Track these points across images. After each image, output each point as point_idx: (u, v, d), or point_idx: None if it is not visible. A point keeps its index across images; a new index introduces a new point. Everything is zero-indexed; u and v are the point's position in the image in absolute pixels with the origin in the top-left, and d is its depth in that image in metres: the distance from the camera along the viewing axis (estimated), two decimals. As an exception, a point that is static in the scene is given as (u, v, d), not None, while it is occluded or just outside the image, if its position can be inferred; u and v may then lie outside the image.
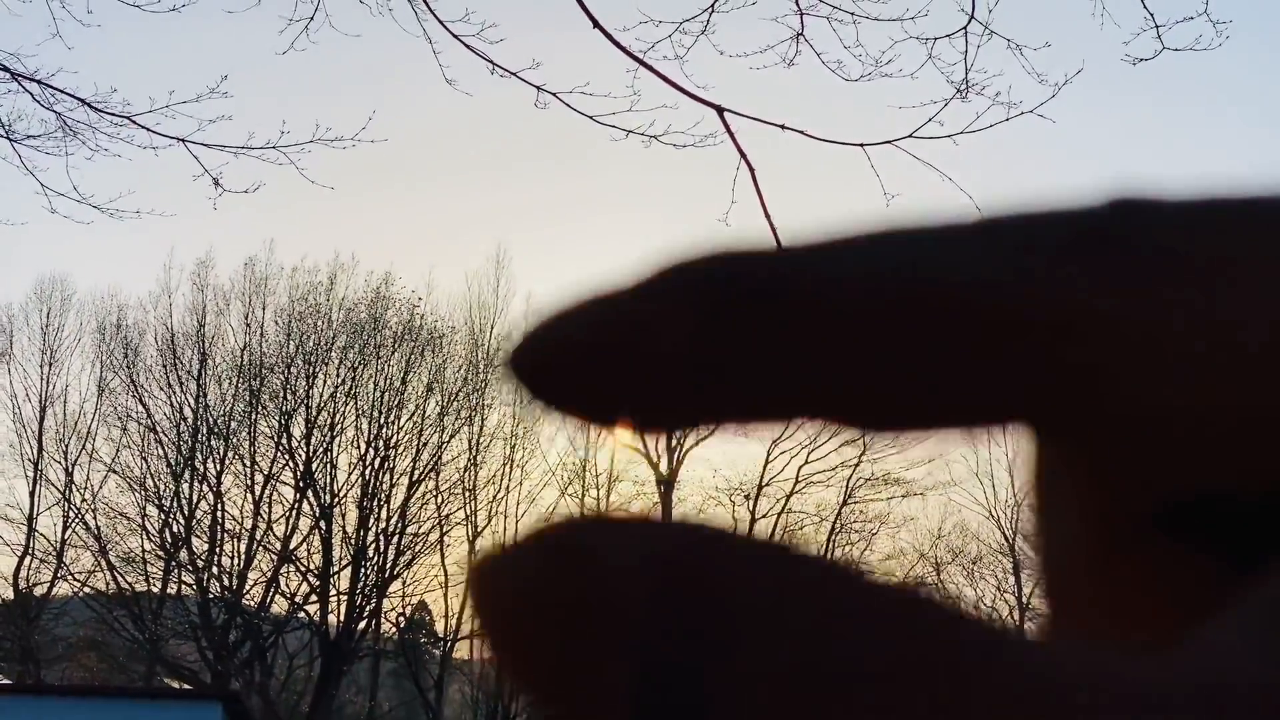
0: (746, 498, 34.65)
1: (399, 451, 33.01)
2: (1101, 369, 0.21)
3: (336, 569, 32.33)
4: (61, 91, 11.41)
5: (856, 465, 34.39)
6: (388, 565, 32.53)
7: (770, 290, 0.22)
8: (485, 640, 0.20)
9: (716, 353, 0.22)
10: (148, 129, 11.32)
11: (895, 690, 0.17)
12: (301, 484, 32.37)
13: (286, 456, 32.68)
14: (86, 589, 33.08)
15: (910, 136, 9.05)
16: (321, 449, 32.74)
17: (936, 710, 0.17)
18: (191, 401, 32.98)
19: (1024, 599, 34.40)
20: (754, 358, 0.22)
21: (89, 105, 11.43)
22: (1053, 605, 0.25)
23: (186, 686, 30.82)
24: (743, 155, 8.17)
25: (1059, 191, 0.22)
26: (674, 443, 33.89)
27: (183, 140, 11.23)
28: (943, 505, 41.23)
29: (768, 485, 34.74)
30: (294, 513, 32.42)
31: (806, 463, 34.62)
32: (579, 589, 0.19)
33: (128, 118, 11.39)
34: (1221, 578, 0.23)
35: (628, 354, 0.23)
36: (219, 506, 32.32)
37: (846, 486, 34.61)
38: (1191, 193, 0.22)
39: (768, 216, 7.64)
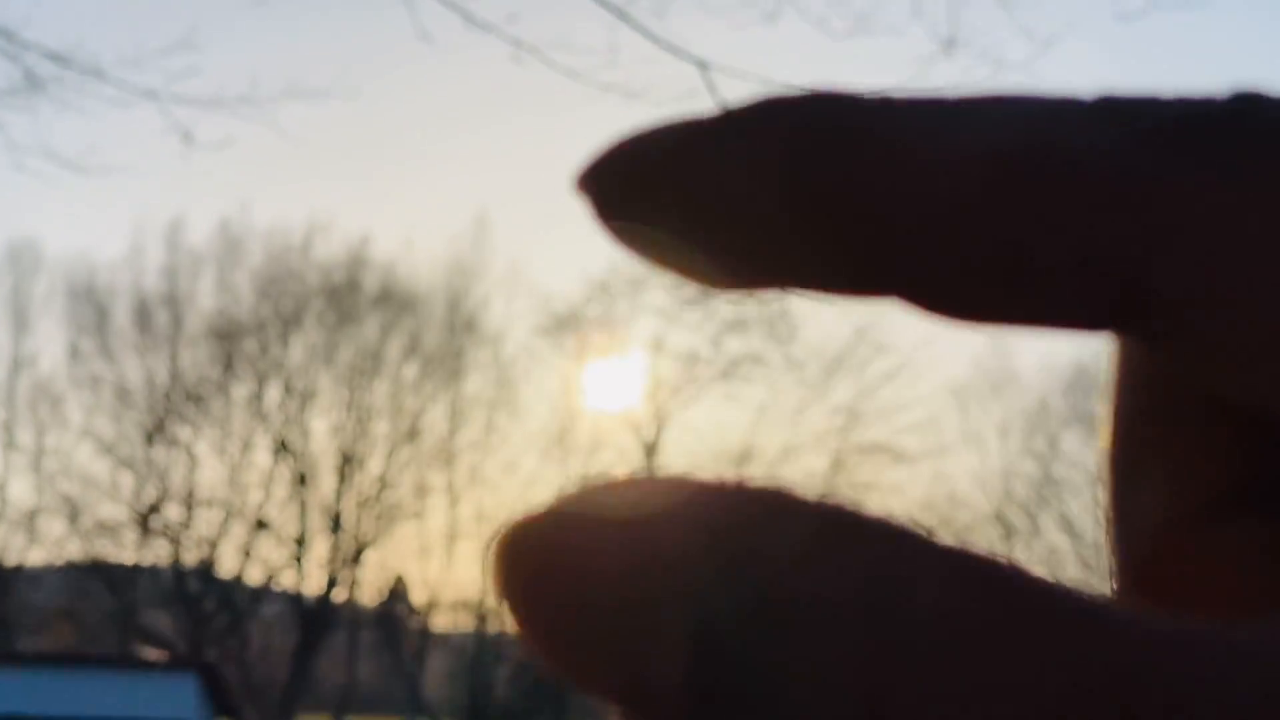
0: (732, 465, 34.21)
1: (377, 417, 32.55)
2: (1207, 272, 0.20)
3: (313, 537, 31.89)
4: (28, 44, 10.92)
5: (844, 433, 34.06)
6: (365, 533, 32.08)
7: (871, 138, 0.20)
8: (521, 615, 0.19)
9: (803, 199, 0.20)
10: (116, 83, 10.86)
11: (975, 665, 0.17)
12: (277, 450, 31.87)
13: (262, 422, 32.19)
14: (60, 557, 32.61)
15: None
16: (298, 414, 32.24)
17: (1014, 683, 0.16)
18: (165, 365, 32.46)
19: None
20: (842, 214, 0.20)
21: (56, 58, 10.96)
22: (1131, 568, 0.23)
23: (162, 656, 30.37)
24: None
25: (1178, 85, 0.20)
26: (657, 408, 33.47)
27: (153, 94, 10.77)
28: (933, 472, 40.90)
29: (754, 452, 34.36)
30: (270, 479, 31.97)
31: (794, 429, 34.30)
32: (627, 557, 0.18)
33: (96, 71, 10.93)
34: None
35: (709, 185, 0.21)
36: (193, 473, 31.86)
37: (835, 453, 34.27)
38: None
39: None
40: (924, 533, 0.18)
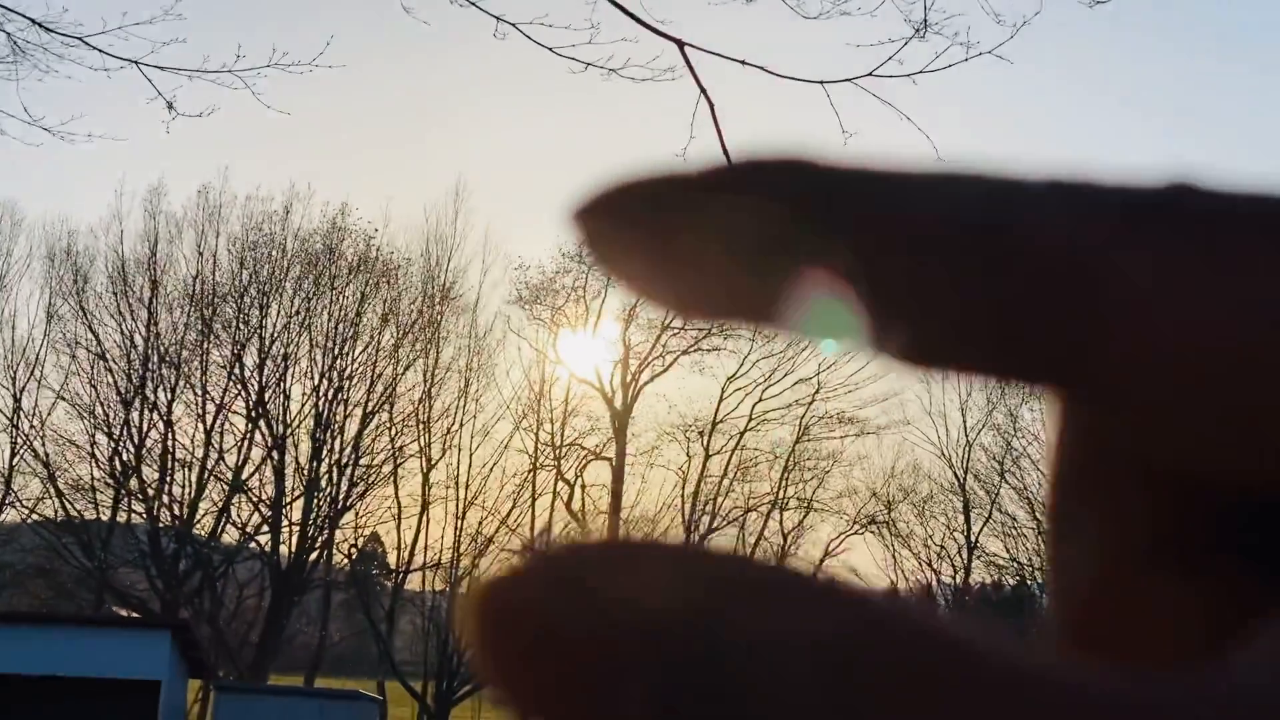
0: (700, 434, 34.78)
1: (353, 383, 32.92)
2: (1138, 344, 0.22)
3: (289, 500, 32.27)
4: (12, 11, 11.24)
5: (811, 404, 34.62)
6: (340, 497, 32.51)
7: (842, 206, 0.23)
8: (489, 672, 0.20)
9: (780, 254, 0.23)
10: (100, 50, 11.15)
11: None
12: (254, 414, 32.24)
13: (239, 386, 32.53)
14: (35, 516, 32.96)
15: (870, 75, 9.00)
16: (274, 379, 32.60)
17: None
18: (142, 329, 32.76)
19: (972, 538, 34.70)
20: (814, 267, 0.23)
21: (40, 25, 11.26)
22: (1069, 611, 0.25)
23: (135, 615, 30.74)
24: (702, 90, 8.09)
25: (1117, 167, 0.23)
26: (630, 377, 33.95)
27: (136, 62, 11.06)
28: (896, 444, 41.52)
29: (721, 422, 34.88)
30: (246, 443, 32.33)
31: (761, 400, 34.81)
32: (593, 625, 0.19)
33: (79, 38, 11.23)
34: (1264, 594, 0.23)
35: (694, 235, 0.23)
36: (170, 435, 32.17)
37: (801, 424, 34.81)
38: (1248, 187, 0.22)
39: (726, 153, 7.55)
40: (874, 594, 0.19)
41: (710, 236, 0.23)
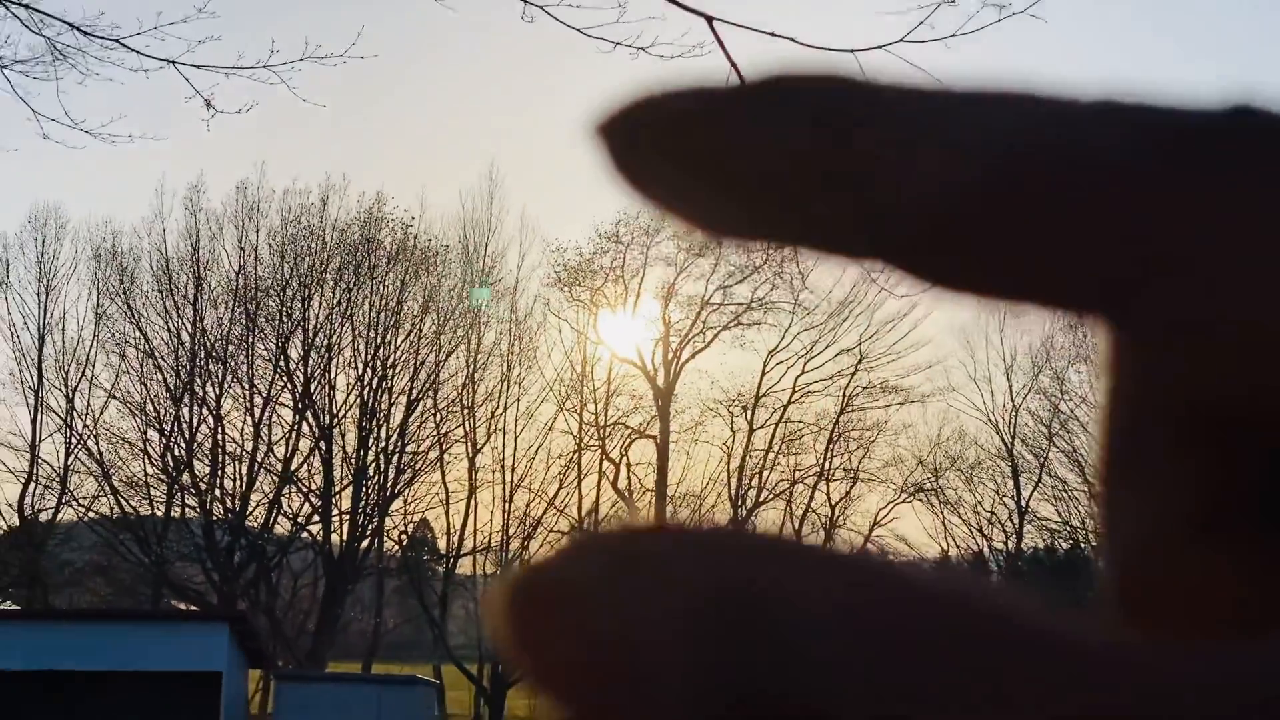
0: (744, 409, 34.88)
1: (396, 371, 33.18)
2: (1194, 272, 0.21)
3: (338, 489, 32.57)
4: (49, 15, 11.39)
5: (854, 374, 34.65)
6: (388, 484, 32.77)
7: (880, 123, 0.22)
8: (526, 661, 0.20)
9: (810, 170, 0.22)
10: (137, 51, 11.31)
11: (970, 693, 0.17)
12: (300, 405, 32.52)
13: (284, 379, 32.82)
14: (91, 514, 33.38)
15: (901, 41, 9.05)
16: (319, 370, 32.89)
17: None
18: (188, 326, 33.09)
19: (1022, 503, 34.69)
20: (846, 186, 0.22)
21: (77, 29, 11.42)
22: (1123, 575, 0.23)
23: (193, 608, 31.10)
24: (733, 65, 8.16)
25: (1176, 89, 0.21)
26: (671, 355, 34.06)
27: (173, 62, 11.20)
28: (941, 411, 41.47)
29: (765, 396, 34.98)
30: (294, 434, 32.65)
31: (803, 373, 34.86)
32: (629, 610, 0.19)
33: (117, 40, 11.37)
34: None
35: (720, 150, 0.22)
36: (219, 430, 32.52)
37: (844, 395, 34.83)
38: None
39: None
40: (914, 568, 0.19)
41: (738, 153, 0.22)
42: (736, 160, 0.22)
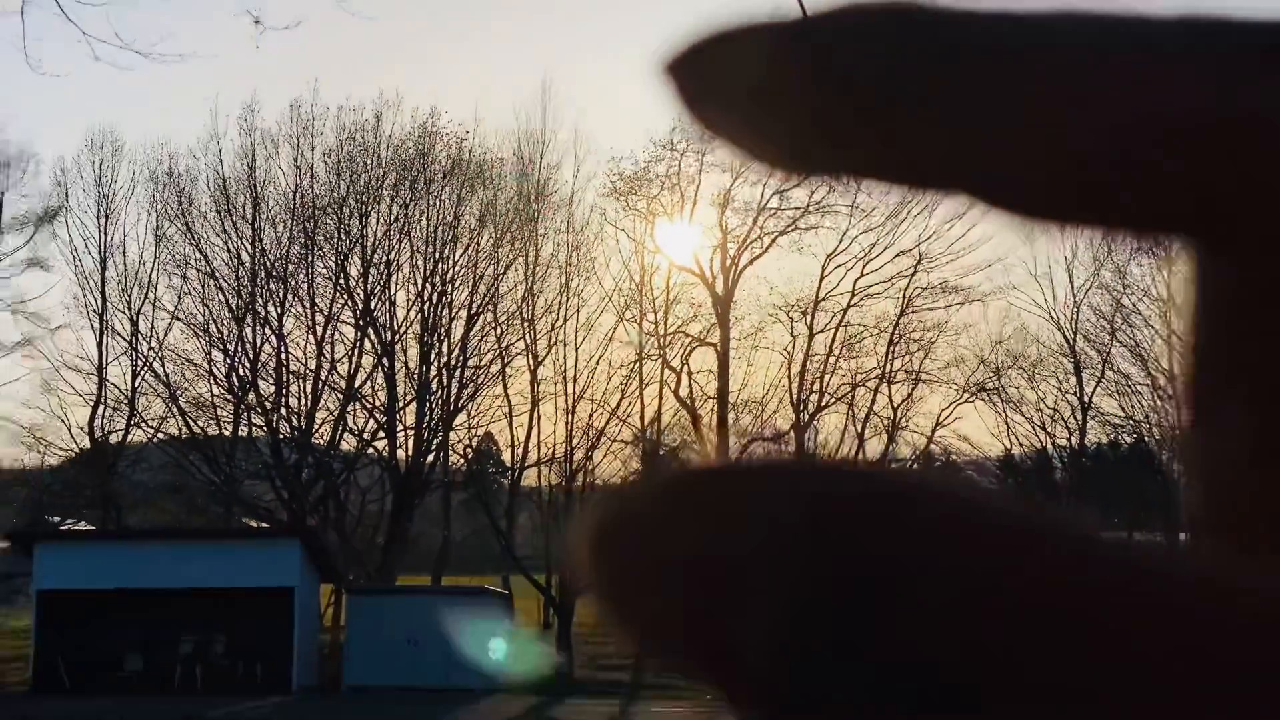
0: (803, 313, 34.81)
1: (456, 285, 33.33)
2: None
3: (401, 405, 32.85)
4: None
5: (913, 275, 34.50)
6: (451, 399, 33.02)
7: (954, 49, 0.21)
8: (607, 593, 0.20)
9: (886, 101, 0.22)
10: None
11: (1067, 629, 0.18)
12: (361, 323, 32.74)
13: (345, 296, 33.07)
14: (160, 435, 33.81)
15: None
16: (379, 287, 33.07)
17: (1087, 644, 0.18)
18: (248, 246, 33.33)
19: (1085, 399, 34.56)
20: (923, 116, 0.21)
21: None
22: (1209, 503, 0.23)
23: (265, 525, 31.54)
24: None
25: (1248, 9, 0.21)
26: (730, 261, 33.99)
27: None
28: (1002, 310, 41.22)
29: (824, 300, 34.89)
30: (356, 351, 32.92)
31: (863, 275, 34.73)
32: (713, 541, 0.19)
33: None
34: None
35: (791, 84, 0.22)
36: (282, 349, 32.86)
37: (904, 297, 34.72)
38: None
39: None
40: (998, 499, 0.19)
41: (810, 86, 0.22)
42: (807, 94, 0.22)
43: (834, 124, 0.22)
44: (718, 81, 0.23)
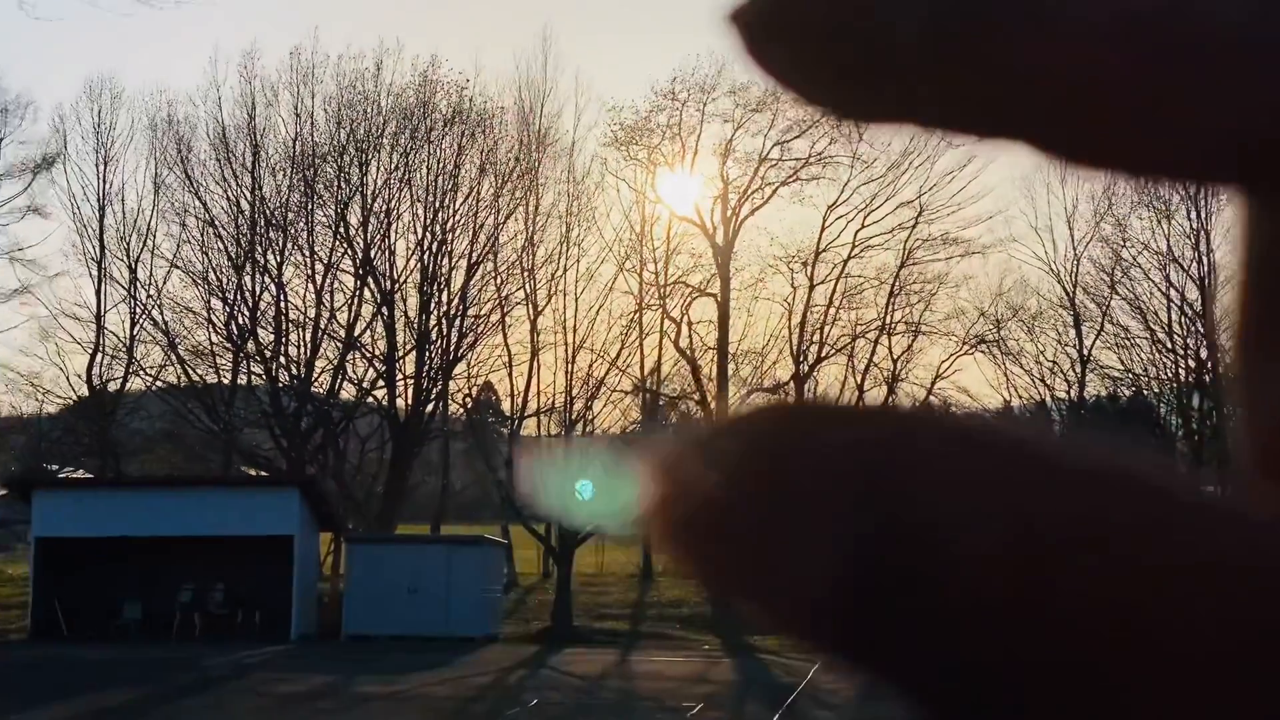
0: (804, 265, 34.72)
1: (456, 235, 33.24)
2: None
3: (401, 354, 32.82)
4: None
5: (914, 227, 34.39)
6: (451, 348, 32.98)
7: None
8: (682, 535, 0.20)
9: (947, 51, 0.22)
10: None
11: (1122, 565, 0.18)
12: (361, 271, 32.67)
13: (345, 245, 32.98)
14: (159, 383, 33.80)
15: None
16: (379, 236, 32.99)
17: (1149, 578, 0.18)
18: (247, 194, 33.25)
19: (1084, 352, 34.51)
20: (985, 64, 0.21)
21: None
22: (1262, 449, 0.23)
23: (264, 474, 31.58)
24: None
25: None
26: (730, 212, 33.86)
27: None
28: (1002, 262, 41.08)
29: (824, 251, 34.79)
30: (356, 300, 32.87)
31: (863, 227, 34.63)
32: (785, 475, 0.19)
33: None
34: None
35: (856, 32, 0.22)
36: (282, 297, 32.80)
37: (904, 249, 34.63)
38: None
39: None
40: (1062, 444, 0.19)
41: (878, 38, 0.22)
42: (871, 41, 0.22)
43: (893, 71, 0.22)
44: (783, 28, 0.23)
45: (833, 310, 34.66)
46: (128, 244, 34.00)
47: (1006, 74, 0.21)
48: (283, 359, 32.58)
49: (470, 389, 34.63)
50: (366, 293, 32.87)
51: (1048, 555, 0.18)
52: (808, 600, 0.19)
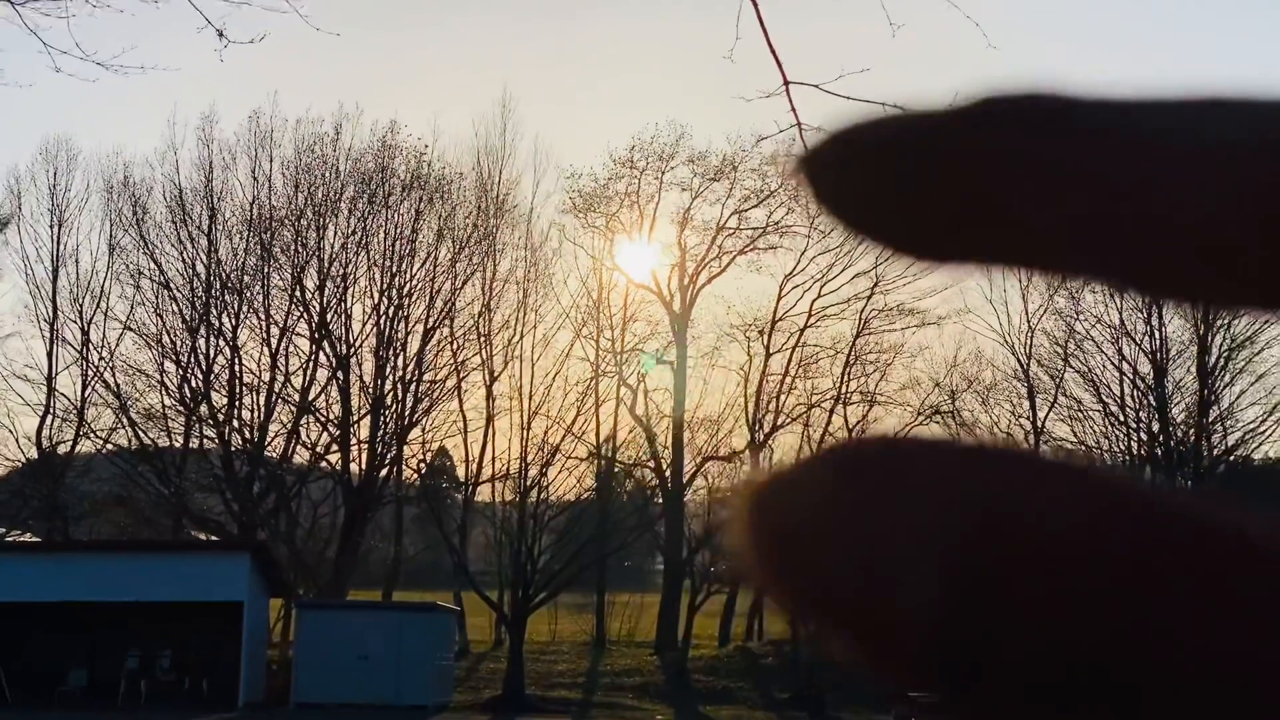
0: (760, 333, 34.80)
1: (413, 299, 33.13)
2: None
3: (356, 418, 32.60)
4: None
5: (870, 297, 34.54)
6: (406, 412, 32.81)
7: (1088, 136, 0.22)
8: (764, 565, 0.20)
9: (1018, 190, 0.22)
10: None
11: (1214, 609, 0.18)
12: (317, 335, 32.51)
13: (301, 308, 32.81)
14: (109, 446, 33.46)
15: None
16: (335, 300, 32.84)
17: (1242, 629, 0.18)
18: (203, 257, 33.03)
19: (1038, 423, 34.62)
20: (1053, 202, 0.22)
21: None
22: None
23: (214, 538, 31.26)
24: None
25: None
26: (687, 280, 33.93)
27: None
28: (957, 333, 41.35)
29: (781, 320, 34.87)
30: (311, 364, 32.67)
31: (819, 296, 34.76)
32: (876, 518, 0.19)
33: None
34: None
35: (927, 178, 0.22)
36: (236, 360, 32.56)
37: (860, 319, 34.76)
38: None
39: (773, 52, 7.55)
40: (1159, 493, 0.19)
41: (944, 178, 0.22)
42: (947, 185, 0.22)
43: (971, 214, 0.22)
44: (853, 177, 0.23)
45: (789, 379, 34.77)
46: (81, 306, 33.77)
47: (1084, 204, 0.22)
48: (236, 422, 32.33)
49: (425, 454, 34.52)
50: (322, 357, 32.71)
51: (1148, 603, 0.18)
52: (897, 644, 0.19)
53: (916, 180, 0.23)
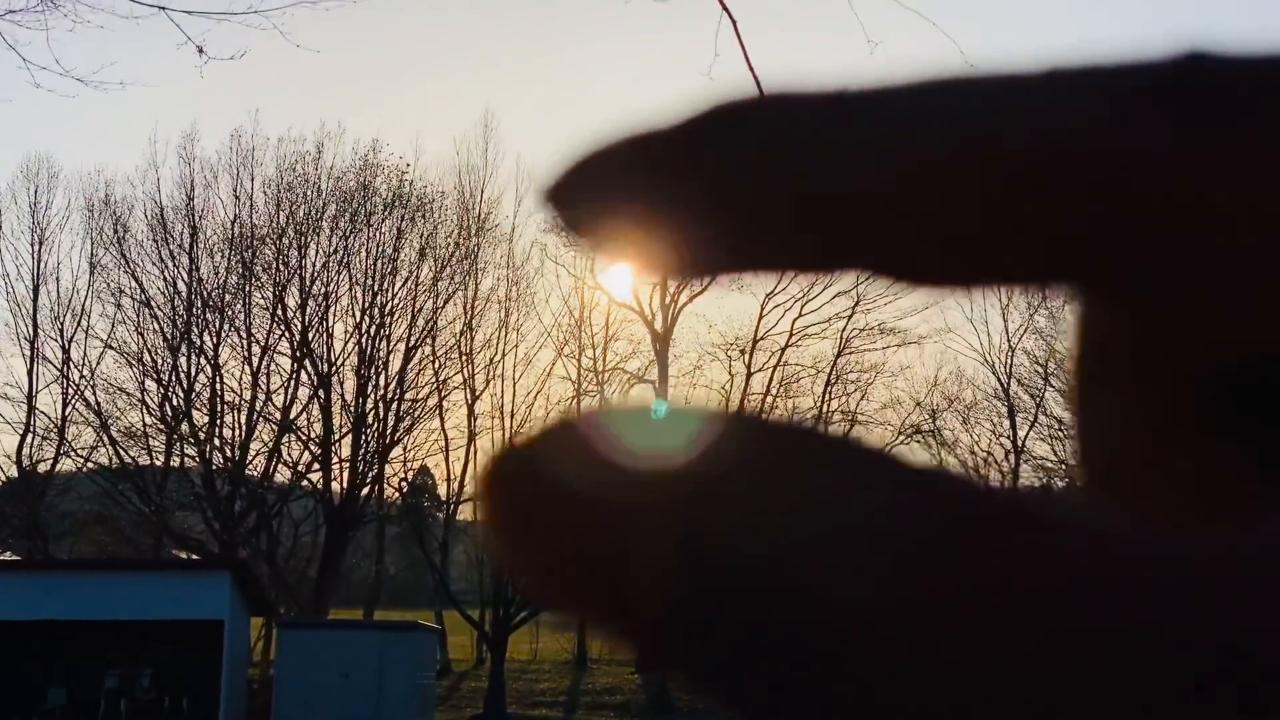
0: (742, 352, 34.84)
1: (394, 318, 33.08)
2: (1165, 228, 0.20)
3: (337, 437, 32.54)
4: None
5: (851, 316, 34.57)
6: (388, 431, 32.76)
7: (820, 135, 0.22)
8: (506, 535, 0.20)
9: (757, 197, 0.22)
10: (129, -2, 11.24)
11: (959, 572, 0.18)
12: (299, 354, 32.44)
13: (282, 327, 32.74)
14: (90, 464, 33.37)
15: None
16: (317, 318, 32.78)
17: (1002, 591, 0.18)
18: (185, 275, 32.95)
19: (1019, 443, 34.74)
20: (797, 203, 0.22)
21: (68, -25, 11.31)
22: (1095, 484, 0.24)
23: (195, 557, 31.15)
24: (724, 7, 8.11)
25: (1122, 45, 0.21)
26: (669, 299, 33.99)
27: (163, 8, 11.15)
28: (938, 353, 41.48)
29: (763, 339, 34.93)
30: (292, 382, 32.58)
31: (800, 315, 34.80)
32: (612, 477, 0.19)
33: (108, -15, 11.27)
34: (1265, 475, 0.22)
35: (662, 194, 0.22)
36: (217, 379, 32.46)
37: (841, 338, 34.79)
38: (1268, 49, 0.20)
39: (751, 69, 7.62)
40: (885, 450, 0.19)
41: (681, 195, 0.22)
42: (685, 201, 0.22)
43: (713, 226, 0.22)
44: (600, 200, 0.23)
45: (770, 398, 34.77)
46: (61, 324, 33.67)
47: (837, 211, 0.21)
48: (217, 441, 32.27)
49: (406, 473, 34.48)
50: (303, 375, 32.68)
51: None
52: (640, 601, 0.19)
53: (654, 197, 0.22)
